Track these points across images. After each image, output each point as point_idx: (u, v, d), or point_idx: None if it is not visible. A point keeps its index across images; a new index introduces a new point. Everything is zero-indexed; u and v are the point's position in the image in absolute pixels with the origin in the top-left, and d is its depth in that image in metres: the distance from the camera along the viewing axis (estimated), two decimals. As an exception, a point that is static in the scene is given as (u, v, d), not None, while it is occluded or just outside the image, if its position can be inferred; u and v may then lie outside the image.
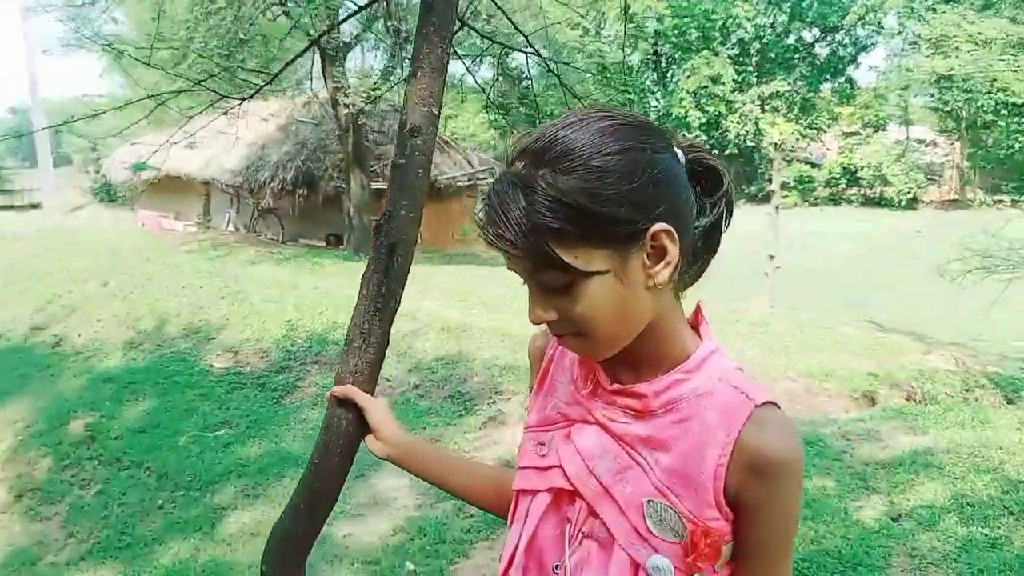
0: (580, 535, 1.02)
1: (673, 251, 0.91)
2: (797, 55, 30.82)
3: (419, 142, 1.44)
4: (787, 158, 28.50)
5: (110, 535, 5.77)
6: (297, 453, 6.30)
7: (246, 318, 8.70)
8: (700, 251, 1.00)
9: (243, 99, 3.36)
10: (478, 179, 19.18)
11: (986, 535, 3.82)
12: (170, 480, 6.29)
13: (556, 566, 1.04)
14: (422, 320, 8.32)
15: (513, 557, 1.09)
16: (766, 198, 28.05)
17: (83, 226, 16.82)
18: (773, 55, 30.28)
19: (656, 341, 0.98)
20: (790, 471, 0.94)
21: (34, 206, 25.52)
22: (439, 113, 1.46)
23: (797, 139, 29.16)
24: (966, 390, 7.34)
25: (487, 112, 29.90)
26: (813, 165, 29.18)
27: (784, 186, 27.86)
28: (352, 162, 14.39)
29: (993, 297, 7.57)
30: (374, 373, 1.45)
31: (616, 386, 1.00)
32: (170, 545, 5.53)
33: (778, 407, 0.96)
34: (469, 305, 9.43)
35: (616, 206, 0.88)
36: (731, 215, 1.02)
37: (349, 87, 12.03)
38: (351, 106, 11.27)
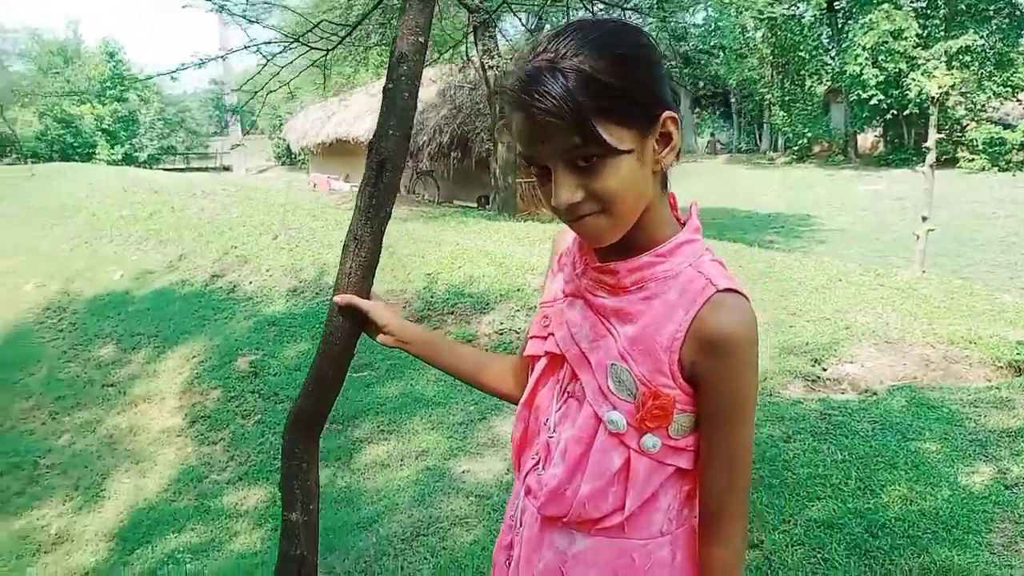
0: (565, 393, 1.19)
1: (677, 137, 1.04)
2: (993, 6, 27.54)
3: (406, 68, 1.57)
4: (975, 118, 25.74)
5: (264, 460, 6.47)
6: (429, 396, 6.71)
7: (393, 271, 9.25)
8: None
9: (327, 51, 3.61)
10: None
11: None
12: (319, 414, 6.90)
13: (547, 420, 1.22)
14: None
15: (522, 404, 1.29)
16: (951, 161, 25.61)
17: (263, 186, 18.34)
18: (964, 6, 27.23)
19: (644, 225, 1.08)
20: (739, 348, 1.02)
21: (225, 168, 28.10)
22: (426, 42, 1.59)
23: (988, 98, 26.16)
24: None
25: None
26: (1007, 127, 26.15)
27: (972, 148, 25.26)
28: (500, 126, 14.70)
29: None
30: (367, 274, 1.62)
31: (598, 264, 1.13)
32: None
33: (743, 296, 1.05)
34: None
35: (641, 91, 1.00)
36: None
37: (497, 50, 12.26)
38: (496, 68, 11.50)
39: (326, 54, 3.98)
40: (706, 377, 1.05)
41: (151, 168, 24.69)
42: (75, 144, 26.04)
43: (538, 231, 10.41)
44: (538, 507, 1.19)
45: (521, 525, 1.25)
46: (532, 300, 8.03)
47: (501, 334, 7.61)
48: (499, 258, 9.00)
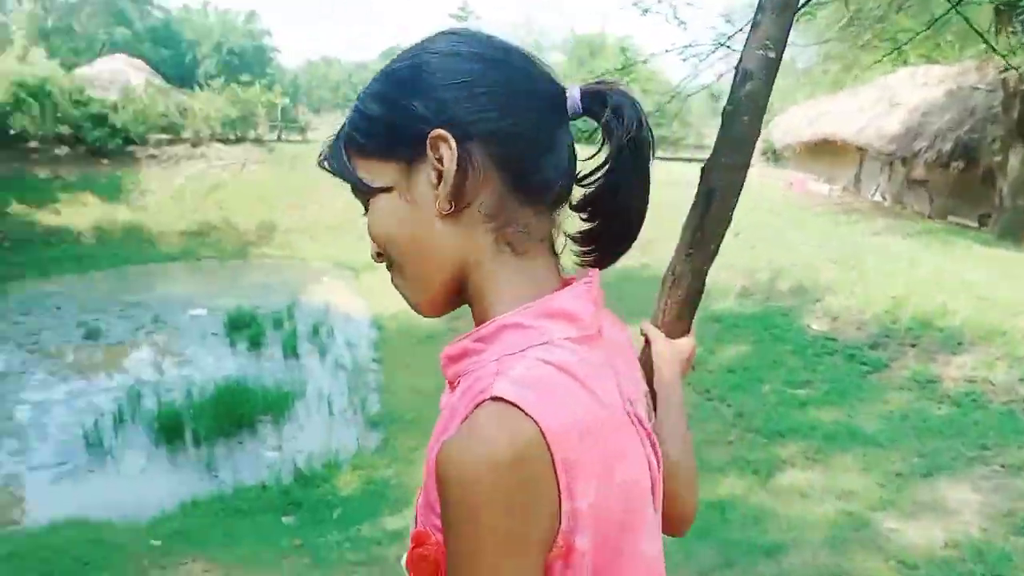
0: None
1: (448, 162, 0.72)
2: None
3: (749, 88, 1.39)
4: None
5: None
6: (869, 432, 6.17)
7: (853, 286, 8.64)
8: (594, 212, 0.82)
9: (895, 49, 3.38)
10: None
11: None
12: (745, 420, 6.88)
13: None
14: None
15: None
16: None
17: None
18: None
19: (475, 296, 0.79)
20: (449, 485, 0.64)
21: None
22: (779, 57, 1.42)
23: None
24: None
25: None
26: None
27: None
28: (1014, 134, 12.39)
29: None
30: (682, 314, 1.51)
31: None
32: (728, 477, 6.13)
33: (516, 407, 0.64)
34: None
35: (400, 111, 0.76)
36: (642, 173, 0.80)
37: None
38: (1020, 68, 9.64)
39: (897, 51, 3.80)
40: None
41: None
42: (585, 130, 29.46)
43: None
44: None
45: None
46: (1019, 349, 6.77)
47: (971, 382, 6.59)
48: (982, 291, 7.76)
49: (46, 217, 17.85)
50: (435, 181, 0.74)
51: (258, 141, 22.80)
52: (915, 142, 15.20)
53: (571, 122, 0.78)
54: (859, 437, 6.10)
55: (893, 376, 7.04)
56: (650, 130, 0.79)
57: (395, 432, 8.53)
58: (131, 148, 20.55)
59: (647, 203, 0.82)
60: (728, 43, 4.97)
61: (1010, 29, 10.20)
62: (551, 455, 0.63)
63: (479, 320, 0.78)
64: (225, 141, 22.11)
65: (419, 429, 8.45)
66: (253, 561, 5.75)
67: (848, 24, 8.90)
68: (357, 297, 15.00)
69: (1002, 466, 5.35)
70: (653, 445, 0.78)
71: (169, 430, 8.21)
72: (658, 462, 0.78)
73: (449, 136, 0.72)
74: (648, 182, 0.81)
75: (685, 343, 1.38)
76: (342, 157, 0.79)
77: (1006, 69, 10.81)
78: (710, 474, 6.28)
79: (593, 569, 0.68)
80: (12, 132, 18.91)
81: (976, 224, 14.84)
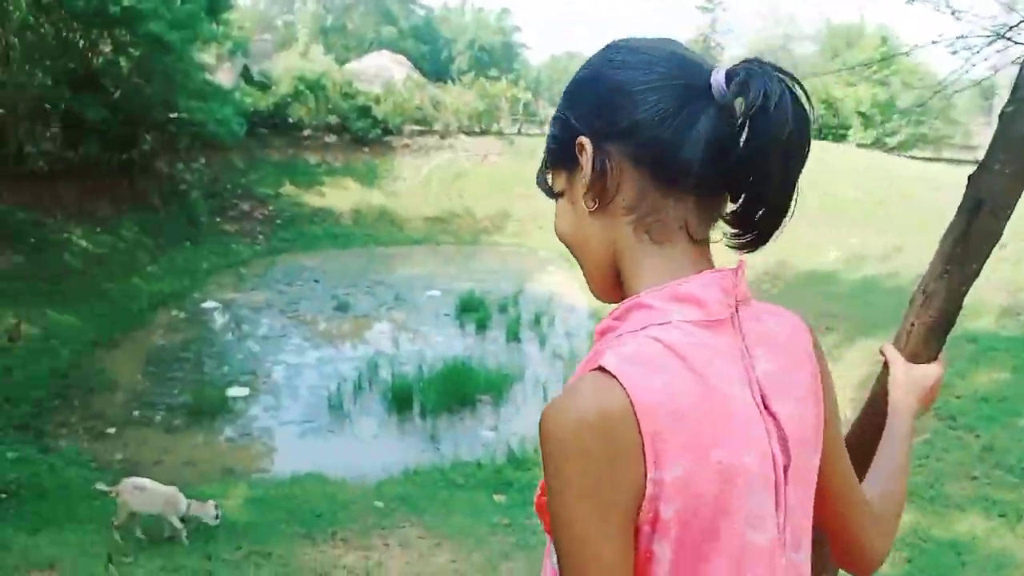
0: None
1: (586, 164, 0.81)
2: None
3: None
4: None
5: (920, 482, 6.06)
6: None
7: None
8: (734, 193, 0.82)
9: None
10: None
11: None
12: (994, 455, 6.11)
13: None
14: None
15: None
16: None
17: None
18: None
19: (622, 282, 0.86)
20: (545, 438, 0.72)
21: (977, 161, 25.69)
22: None
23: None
24: None
25: None
26: None
27: None
28: None
29: None
30: (931, 338, 1.31)
31: None
32: (969, 515, 5.50)
33: (610, 375, 0.71)
34: None
35: (563, 125, 0.86)
36: (777, 149, 0.77)
37: None
38: None
39: None
40: None
41: (900, 154, 24.38)
42: (832, 125, 27.48)
43: None
44: None
45: None
46: None
47: None
48: None
49: (312, 198, 20.07)
50: (584, 183, 0.82)
51: (500, 134, 23.87)
52: None
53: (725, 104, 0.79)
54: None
55: None
56: (799, 105, 0.79)
57: (606, 425, 8.57)
58: (388, 138, 22.43)
59: (790, 183, 0.80)
60: (1008, 34, 4.39)
61: None
62: (639, 426, 0.69)
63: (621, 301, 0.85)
64: (470, 133, 23.40)
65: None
66: (464, 534, 6.12)
67: None
68: (579, 288, 15.24)
69: None
70: (783, 441, 0.78)
71: (400, 401, 8.93)
72: (788, 460, 0.78)
73: (587, 142, 0.81)
74: (789, 160, 0.79)
75: (930, 371, 1.25)
76: (543, 169, 0.91)
77: None
78: (947, 510, 5.67)
79: (685, 543, 0.72)
80: (290, 120, 21.43)
81: None
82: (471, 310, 12.82)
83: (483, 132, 23.60)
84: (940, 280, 1.30)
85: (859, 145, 25.45)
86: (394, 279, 15.48)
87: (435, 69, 37.46)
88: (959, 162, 25.80)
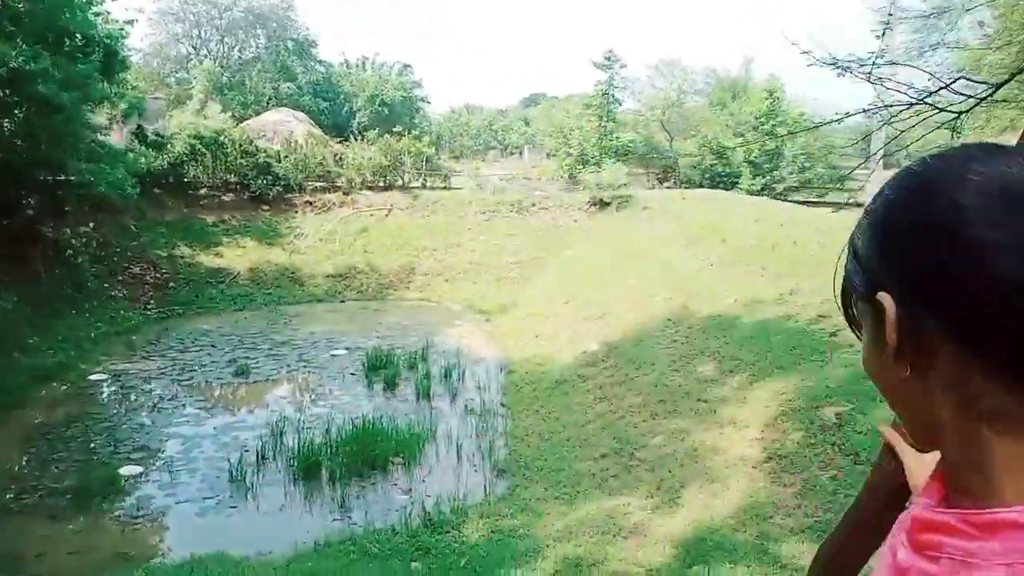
0: None
1: (889, 332, 0.66)
2: None
3: None
4: None
5: (831, 520, 6.17)
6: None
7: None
8: None
9: (958, 114, 3.12)
10: None
11: None
12: (899, 490, 6.28)
13: None
14: None
15: None
16: None
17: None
18: None
19: (962, 464, 0.69)
20: None
21: (858, 205, 27.46)
22: None
23: None
24: None
25: None
26: None
27: None
28: None
29: None
30: None
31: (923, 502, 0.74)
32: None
33: None
34: None
35: (859, 259, 0.72)
36: None
37: None
38: None
39: (957, 118, 3.54)
40: None
41: (785, 199, 25.72)
42: (723, 173, 28.87)
43: None
44: None
45: None
46: None
47: None
48: None
49: (208, 259, 19.32)
50: (890, 348, 0.68)
51: (404, 188, 23.81)
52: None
53: None
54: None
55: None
56: None
57: (522, 480, 8.45)
58: (289, 195, 21.99)
59: None
60: (930, 100, 4.58)
61: None
62: None
63: (962, 484, 0.69)
64: (374, 188, 23.23)
65: (546, 479, 8.34)
66: (379, 607, 5.80)
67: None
68: (489, 341, 15.18)
69: None
70: None
71: (307, 468, 8.53)
72: None
73: (889, 304, 0.66)
74: None
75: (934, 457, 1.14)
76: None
77: None
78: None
79: None
80: (186, 180, 20.71)
81: None
82: (379, 368, 12.50)
83: (387, 187, 23.49)
84: None
85: (749, 192, 26.71)
86: (297, 339, 14.98)
87: (335, 124, 37.25)
88: (840, 205, 27.60)
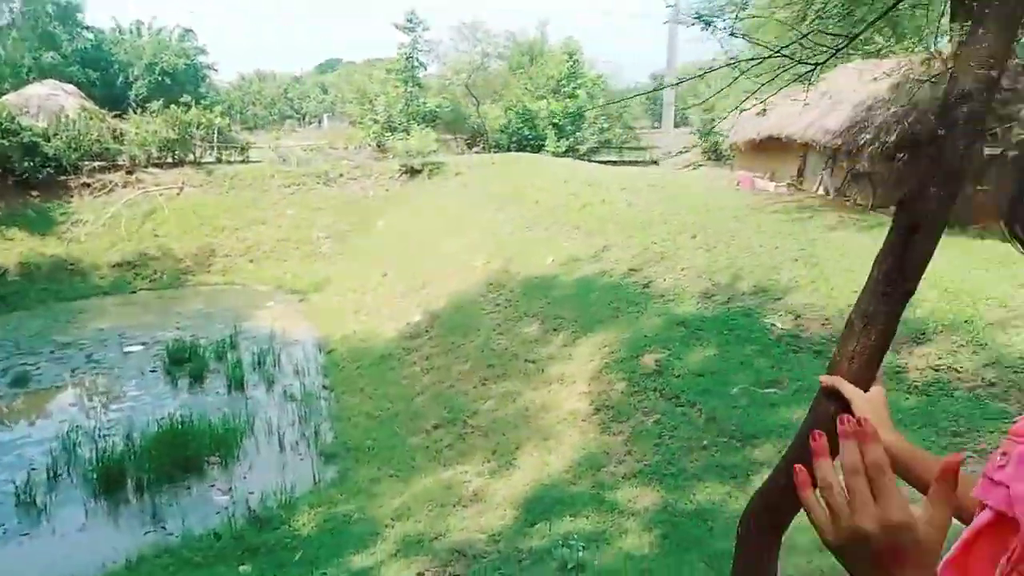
0: (1015, 573, 0.81)
1: None
2: None
3: (967, 110, 1.22)
4: None
5: (660, 461, 6.43)
6: (842, 429, 6.00)
7: (814, 282, 8.50)
8: None
9: (816, 65, 3.24)
10: None
11: None
12: (717, 424, 6.65)
13: None
14: (1016, 310, 6.96)
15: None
16: None
17: (686, 183, 18.52)
18: None
19: None
20: None
21: (654, 162, 29.10)
22: (999, 77, 1.21)
23: None
24: None
25: None
26: None
27: None
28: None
29: None
30: (874, 360, 1.32)
31: None
32: (707, 484, 5.90)
33: None
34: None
35: None
36: None
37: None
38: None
39: (813, 70, 3.68)
40: None
41: (589, 160, 26.65)
42: (530, 136, 29.37)
43: (998, 252, 8.58)
44: None
45: None
46: (984, 336, 6.68)
47: (937, 371, 6.47)
48: (946, 281, 7.67)
49: (-32, 256, 16.83)
50: None
51: (196, 163, 22.01)
52: (860, 135, 15.33)
53: None
54: (834, 434, 5.91)
55: (863, 372, 6.88)
56: None
57: (353, 463, 8.10)
58: (63, 177, 19.59)
59: None
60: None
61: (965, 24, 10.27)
62: None
63: None
64: (162, 165, 21.27)
65: (379, 458, 8.04)
66: (206, 620, 5.29)
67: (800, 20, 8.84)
68: (305, 321, 14.47)
69: (974, 452, 5.24)
70: None
71: (108, 479, 7.64)
72: None
73: None
74: None
75: (880, 395, 1.25)
76: None
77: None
78: (688, 482, 6.04)
79: None
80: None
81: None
82: (182, 361, 11.48)
83: (176, 163, 21.60)
84: (880, 302, 1.27)
85: (554, 154, 27.40)
86: (84, 338, 13.42)
87: (111, 97, 33.66)
88: (637, 163, 29.08)
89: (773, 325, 7.94)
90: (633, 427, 7.01)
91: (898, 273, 1.26)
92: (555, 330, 9.53)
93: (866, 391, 1.31)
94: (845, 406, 1.32)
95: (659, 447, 6.63)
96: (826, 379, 1.32)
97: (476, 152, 28.95)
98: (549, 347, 9.21)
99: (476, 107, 32.34)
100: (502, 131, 30.13)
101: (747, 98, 6.05)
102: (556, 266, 11.71)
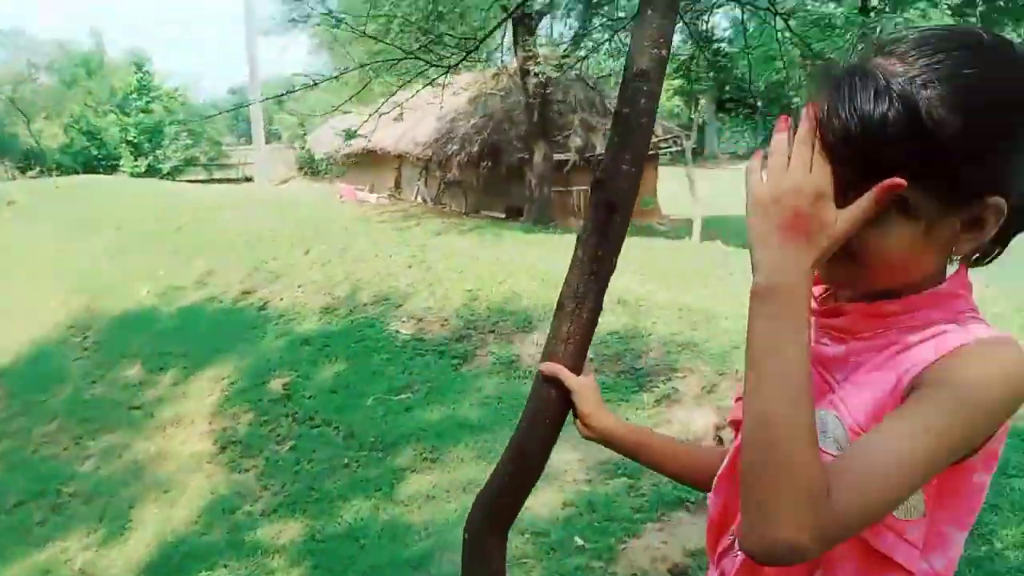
0: None
1: (990, 229, 0.88)
2: (1035, 2, 27.02)
3: (645, 88, 1.32)
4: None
5: (300, 489, 6.09)
6: (473, 420, 6.33)
7: (430, 286, 8.88)
8: None
9: (447, 69, 3.32)
10: (659, 148, 18.51)
11: None
12: (356, 440, 6.54)
13: None
14: (601, 292, 8.10)
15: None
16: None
17: (291, 198, 18.16)
18: (1003, 3, 26.65)
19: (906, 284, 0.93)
20: (997, 372, 0.79)
21: (248, 179, 28.06)
22: (668, 56, 1.33)
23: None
24: None
25: (673, 78, 28.91)
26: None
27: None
28: (537, 133, 14.35)
29: None
30: (587, 338, 1.40)
31: (826, 305, 0.96)
32: (353, 503, 5.74)
33: (1018, 349, 0.81)
34: (646, 278, 9.06)
35: (972, 158, 0.83)
36: None
37: (539, 57, 11.98)
38: (539, 75, 11.16)
39: (447, 71, 3.74)
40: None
41: (174, 180, 24.65)
42: (99, 156, 26.10)
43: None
44: None
45: None
46: (579, 318, 7.63)
47: (549, 354, 7.21)
48: (541, 273, 8.61)
49: None
50: (962, 229, 0.87)
51: None
52: (447, 146, 16.56)
53: None
54: (467, 427, 6.26)
55: (480, 363, 7.38)
56: None
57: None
58: None
59: None
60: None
61: (528, 39, 11.58)
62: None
63: (887, 288, 0.91)
64: None
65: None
66: None
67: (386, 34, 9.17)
68: None
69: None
70: None
71: None
72: None
73: (1003, 206, 0.85)
74: None
75: (590, 379, 1.35)
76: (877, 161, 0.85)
77: (523, 76, 12.29)
78: (333, 504, 5.81)
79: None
80: None
81: (504, 216, 16.76)
82: None
83: None
84: (589, 282, 1.33)
85: (133, 174, 24.85)
86: None
87: None
88: (231, 180, 27.70)
89: (398, 332, 8.09)
90: (267, 458, 6.56)
91: (603, 251, 1.35)
92: (161, 369, 8.54)
93: (578, 375, 1.36)
94: (564, 391, 1.37)
95: (298, 474, 6.29)
96: (546, 367, 1.38)
97: (32, 177, 24.91)
98: (157, 389, 8.22)
99: (27, 125, 27.78)
100: (64, 151, 26.35)
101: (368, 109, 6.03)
102: (153, 297, 10.53)
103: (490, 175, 16.56)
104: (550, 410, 1.40)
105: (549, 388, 1.37)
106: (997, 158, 0.80)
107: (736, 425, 1.04)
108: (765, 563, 0.79)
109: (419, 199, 19.28)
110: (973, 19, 26.54)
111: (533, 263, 9.27)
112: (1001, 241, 0.89)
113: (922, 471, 0.77)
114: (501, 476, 1.51)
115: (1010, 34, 25.69)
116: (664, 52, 1.29)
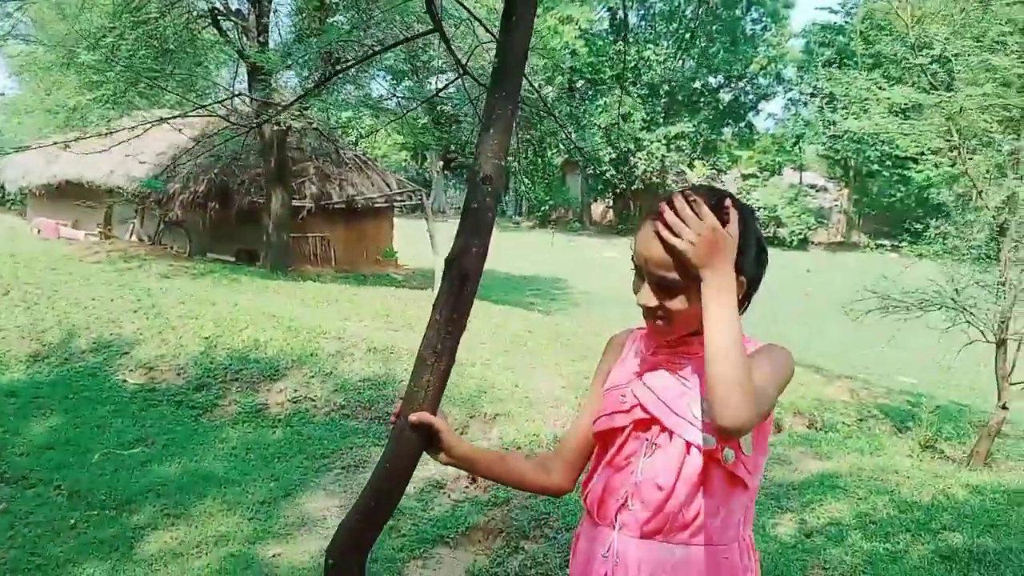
0: (654, 446, 1.48)
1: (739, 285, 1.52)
2: (703, 99, 32.46)
3: (489, 189, 1.65)
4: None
5: (18, 555, 5.46)
6: (220, 473, 6.15)
7: (161, 333, 8.44)
8: None
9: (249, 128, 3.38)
10: (395, 201, 19.15)
11: (887, 549, 4.20)
12: (83, 499, 6.02)
13: (633, 470, 1.49)
14: (348, 340, 8.30)
15: (595, 471, 1.58)
16: (671, 233, 29.39)
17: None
18: (680, 97, 31.71)
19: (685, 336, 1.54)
20: (785, 354, 1.53)
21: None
22: (506, 165, 1.70)
23: (699, 177, 30.75)
24: (860, 419, 7.96)
25: (400, 134, 30.03)
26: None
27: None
28: (274, 179, 14.16)
29: (878, 334, 8.18)
30: (442, 387, 1.67)
31: (674, 344, 1.54)
32: (85, 566, 5.28)
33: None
34: (394, 326, 9.45)
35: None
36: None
37: (279, 103, 11.95)
38: (280, 123, 11.13)
39: (251, 129, 3.71)
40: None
41: None
42: None
43: (324, 293, 10.04)
44: (640, 528, 1.46)
45: (618, 556, 1.48)
46: (328, 366, 7.76)
47: (295, 403, 7.24)
48: (287, 321, 8.60)
49: None
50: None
51: None
52: (170, 185, 15.62)
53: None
54: (213, 480, 6.06)
55: (224, 413, 7.20)
56: None
57: None
58: None
59: None
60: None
61: (263, 86, 11.48)
62: None
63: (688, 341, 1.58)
64: None
65: None
66: None
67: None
68: None
69: (343, 468, 6.09)
70: None
71: None
72: None
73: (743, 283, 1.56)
74: None
75: (444, 417, 1.65)
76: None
77: (257, 121, 12.11)
78: (62, 569, 5.29)
79: None
80: None
81: (234, 260, 16.17)
82: None
83: None
84: (446, 339, 1.55)
85: None
86: None
87: None
88: None
89: (125, 381, 7.59)
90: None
91: (457, 313, 1.64)
92: None
93: (434, 414, 1.67)
94: (425, 432, 1.65)
95: (13, 538, 5.63)
96: (416, 417, 1.63)
97: None
98: None
99: None
100: None
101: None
102: None
103: (218, 217, 15.91)
104: (412, 449, 1.64)
105: (412, 431, 1.62)
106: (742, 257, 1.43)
107: (610, 433, 1.57)
108: (735, 435, 1.29)
109: (134, 238, 17.85)
110: (659, 108, 31.21)
111: (276, 310, 9.19)
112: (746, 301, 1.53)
113: (776, 384, 1.40)
114: (363, 507, 1.71)
115: (686, 122, 30.24)
116: (503, 162, 1.67)
